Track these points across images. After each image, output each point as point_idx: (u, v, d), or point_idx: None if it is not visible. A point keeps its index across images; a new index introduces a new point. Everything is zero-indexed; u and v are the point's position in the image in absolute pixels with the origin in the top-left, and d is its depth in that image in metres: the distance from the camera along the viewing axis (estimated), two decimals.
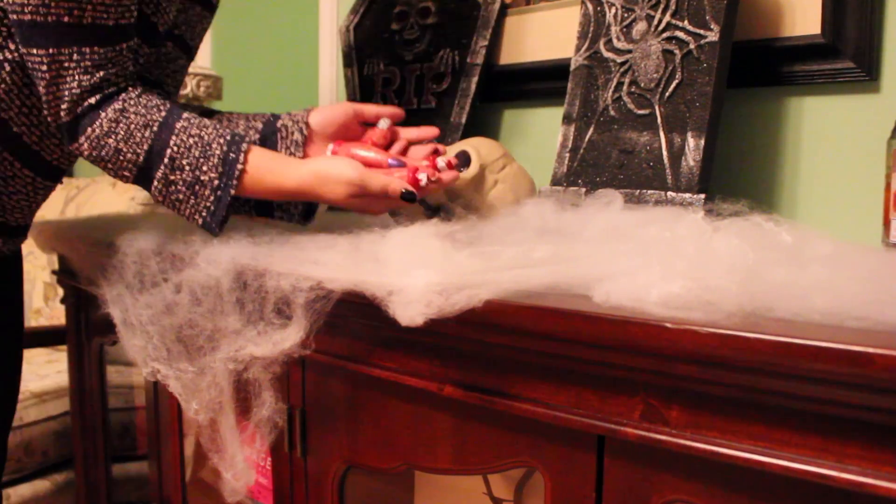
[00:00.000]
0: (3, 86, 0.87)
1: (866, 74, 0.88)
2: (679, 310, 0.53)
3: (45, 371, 1.89)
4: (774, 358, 0.47)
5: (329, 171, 0.82)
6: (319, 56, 1.60)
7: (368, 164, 0.86)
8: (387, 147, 0.93)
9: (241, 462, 0.82)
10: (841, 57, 0.89)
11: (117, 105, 0.83)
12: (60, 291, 1.56)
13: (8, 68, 0.86)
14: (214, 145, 0.83)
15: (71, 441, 1.68)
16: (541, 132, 1.21)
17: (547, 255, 0.68)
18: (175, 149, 0.83)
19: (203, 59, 1.96)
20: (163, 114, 0.84)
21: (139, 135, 0.83)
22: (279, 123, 0.93)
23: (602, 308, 0.57)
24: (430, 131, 0.95)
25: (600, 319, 0.55)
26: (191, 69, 1.56)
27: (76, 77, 0.82)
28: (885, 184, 0.77)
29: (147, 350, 0.85)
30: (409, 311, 0.63)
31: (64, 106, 0.82)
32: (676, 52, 0.91)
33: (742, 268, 0.57)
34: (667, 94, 0.92)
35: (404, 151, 0.94)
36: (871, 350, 0.44)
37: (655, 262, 0.60)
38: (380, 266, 0.70)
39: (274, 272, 0.74)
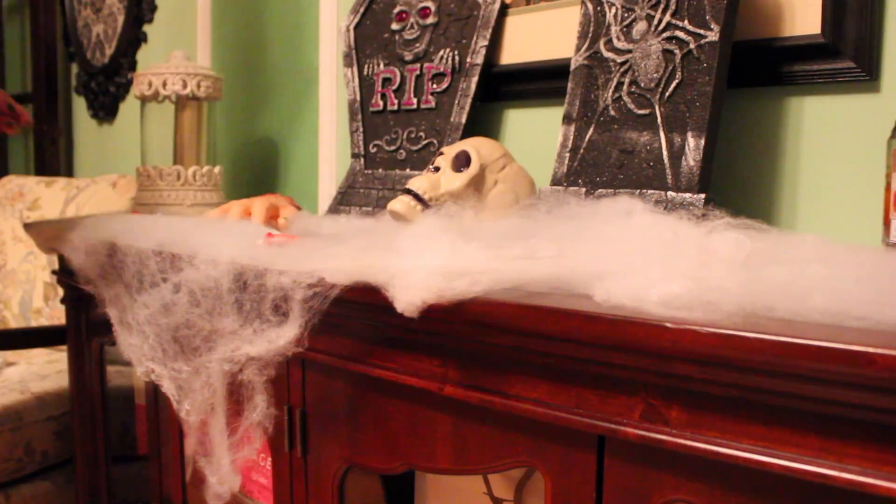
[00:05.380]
0: None
1: (866, 74, 0.88)
2: (679, 310, 0.53)
3: (45, 371, 1.89)
4: (774, 358, 0.47)
5: None
6: (319, 56, 1.60)
7: None
8: None
9: (228, 466, 0.82)
10: (841, 57, 0.89)
11: None
12: (60, 291, 1.56)
13: None
14: None
15: (71, 441, 1.68)
16: (541, 132, 1.21)
17: (551, 252, 0.68)
18: None
19: (203, 59, 1.96)
20: None
21: None
22: None
23: (602, 308, 0.57)
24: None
25: (600, 319, 0.55)
26: (191, 69, 1.56)
27: None
28: (885, 184, 0.77)
29: (143, 349, 0.85)
30: (408, 294, 0.62)
31: None
32: (676, 51, 0.91)
33: (742, 267, 0.57)
34: (667, 94, 0.92)
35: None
36: (871, 350, 0.44)
37: (656, 261, 0.60)
38: (384, 254, 0.70)
39: (275, 270, 0.74)
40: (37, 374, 1.87)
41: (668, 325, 0.52)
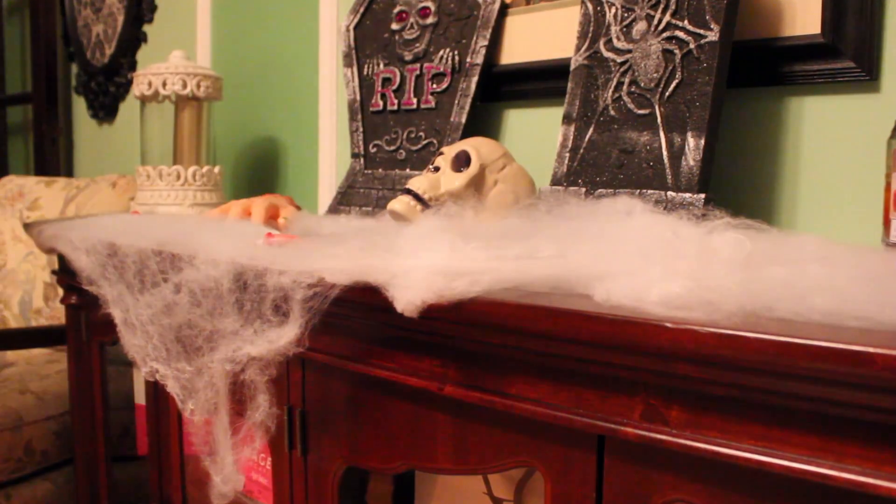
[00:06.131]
0: None
1: (866, 74, 0.88)
2: (679, 310, 0.53)
3: (45, 371, 1.89)
4: (774, 358, 0.47)
5: None
6: (319, 56, 1.60)
7: None
8: None
9: (231, 465, 0.82)
10: (841, 57, 0.89)
11: None
12: (60, 291, 1.56)
13: None
14: None
15: (71, 441, 1.68)
16: (541, 132, 1.21)
17: (551, 252, 0.68)
18: None
19: (203, 59, 1.96)
20: None
21: None
22: None
23: (602, 308, 0.57)
24: None
25: (600, 319, 0.55)
26: (191, 69, 1.56)
27: None
28: (885, 184, 0.77)
29: (147, 350, 0.85)
30: (409, 294, 0.62)
31: None
32: (676, 51, 0.91)
33: (742, 267, 0.57)
34: (667, 93, 0.92)
35: None
36: (871, 350, 0.44)
37: (656, 261, 0.60)
38: (385, 254, 0.70)
39: (275, 270, 0.74)
40: (37, 374, 1.87)
41: (668, 325, 0.52)
